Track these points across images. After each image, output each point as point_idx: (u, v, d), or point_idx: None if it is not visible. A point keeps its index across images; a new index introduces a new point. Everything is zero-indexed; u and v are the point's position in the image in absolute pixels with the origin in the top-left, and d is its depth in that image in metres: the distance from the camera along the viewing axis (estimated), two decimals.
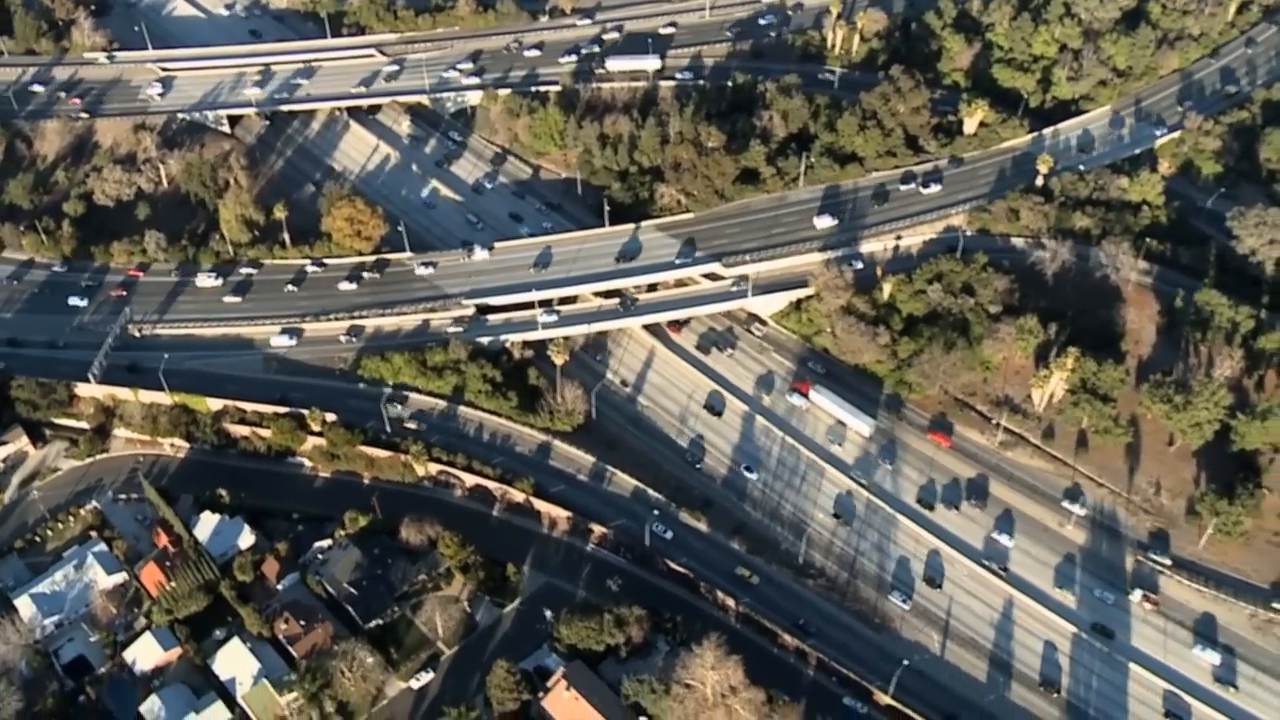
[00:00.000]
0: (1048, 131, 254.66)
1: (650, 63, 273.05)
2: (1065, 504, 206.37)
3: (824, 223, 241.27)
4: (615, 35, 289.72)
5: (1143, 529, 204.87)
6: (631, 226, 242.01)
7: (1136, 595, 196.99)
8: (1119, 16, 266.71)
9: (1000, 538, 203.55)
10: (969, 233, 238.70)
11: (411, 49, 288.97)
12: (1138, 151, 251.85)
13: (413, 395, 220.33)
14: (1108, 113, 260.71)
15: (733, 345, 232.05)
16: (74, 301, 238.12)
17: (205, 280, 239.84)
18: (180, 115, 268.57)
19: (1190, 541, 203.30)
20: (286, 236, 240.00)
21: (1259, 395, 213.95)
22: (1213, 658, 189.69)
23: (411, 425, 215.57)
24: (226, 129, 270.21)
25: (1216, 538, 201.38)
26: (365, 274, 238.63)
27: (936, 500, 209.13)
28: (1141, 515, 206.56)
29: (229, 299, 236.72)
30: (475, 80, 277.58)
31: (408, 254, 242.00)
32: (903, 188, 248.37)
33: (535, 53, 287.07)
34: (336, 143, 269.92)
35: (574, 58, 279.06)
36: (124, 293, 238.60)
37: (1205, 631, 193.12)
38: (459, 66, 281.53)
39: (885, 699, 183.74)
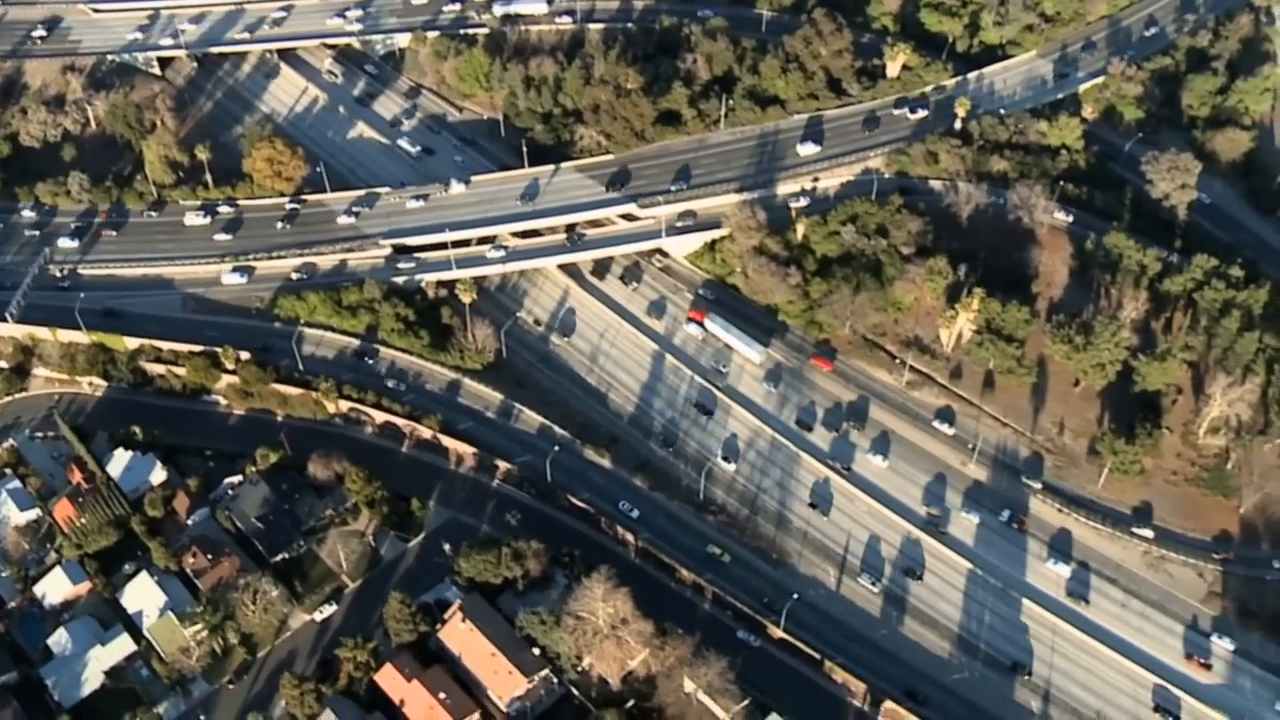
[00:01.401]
0: (971, 76, 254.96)
1: (536, 6, 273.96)
2: (935, 423, 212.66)
3: (808, 149, 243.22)
4: None
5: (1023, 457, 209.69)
6: (552, 168, 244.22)
7: (1005, 515, 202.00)
8: None
9: (874, 458, 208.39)
10: (887, 175, 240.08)
11: None
12: (1061, 96, 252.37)
13: (325, 334, 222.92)
14: (1033, 58, 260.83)
15: (638, 279, 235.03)
16: (63, 243, 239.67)
17: (193, 219, 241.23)
18: (110, 57, 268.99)
19: (1091, 480, 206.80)
20: (209, 178, 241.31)
21: (1166, 337, 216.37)
22: (1064, 570, 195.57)
23: (391, 384, 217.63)
24: (157, 71, 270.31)
25: (1115, 476, 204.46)
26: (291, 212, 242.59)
27: (816, 422, 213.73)
28: (1045, 453, 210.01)
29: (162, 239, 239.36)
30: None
31: (387, 189, 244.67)
32: (895, 112, 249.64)
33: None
34: (267, 85, 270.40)
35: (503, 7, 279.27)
36: (114, 233, 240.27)
37: (1061, 548, 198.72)
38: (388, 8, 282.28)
39: (778, 633, 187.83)
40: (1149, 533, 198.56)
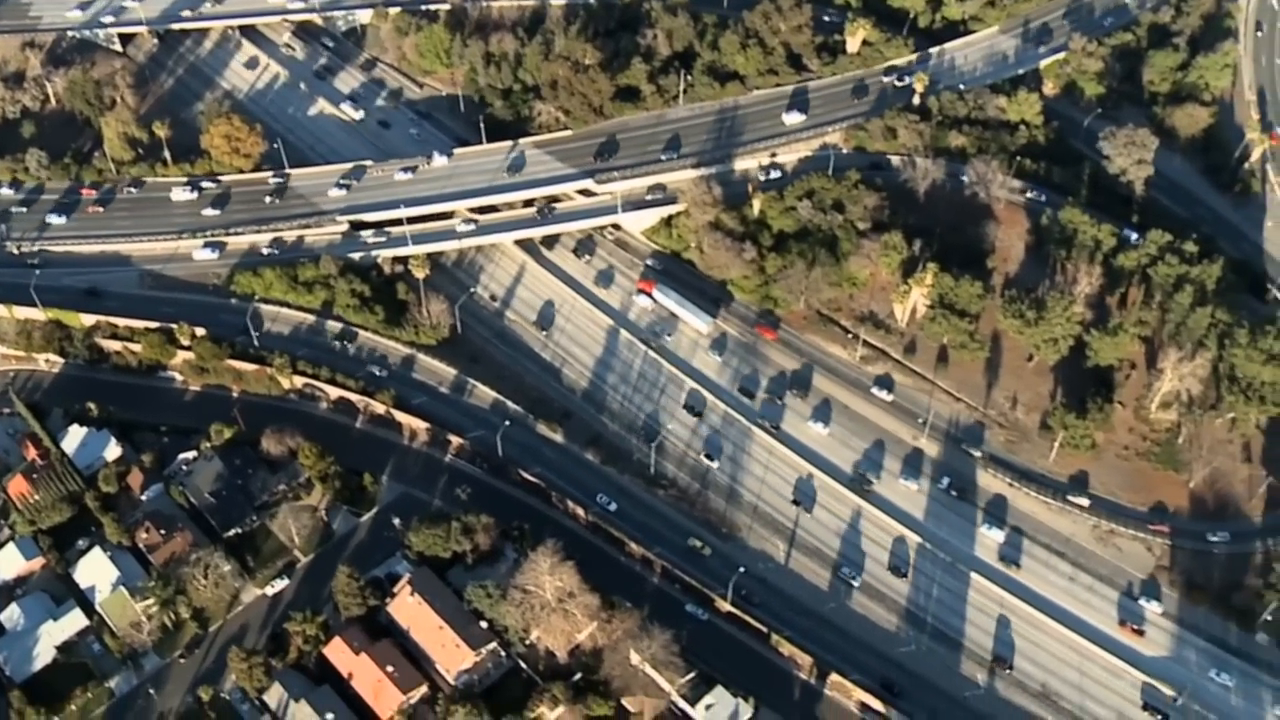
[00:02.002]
0: (933, 51, 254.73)
1: None
2: (873, 390, 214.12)
3: (793, 118, 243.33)
4: None
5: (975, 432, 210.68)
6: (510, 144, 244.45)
7: (944, 482, 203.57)
8: None
9: (815, 425, 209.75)
10: (845, 150, 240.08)
11: None
12: (1021, 72, 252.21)
13: (281, 310, 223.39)
14: (994, 33, 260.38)
15: (591, 252, 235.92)
16: (51, 219, 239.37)
17: (179, 194, 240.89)
18: (70, 33, 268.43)
19: (1042, 455, 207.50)
20: (168, 154, 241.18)
21: (1120, 312, 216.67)
22: (998, 535, 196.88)
23: (376, 370, 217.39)
24: (118, 47, 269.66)
25: (1066, 451, 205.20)
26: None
27: (759, 390, 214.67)
28: (996, 429, 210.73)
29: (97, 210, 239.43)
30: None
31: (371, 162, 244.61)
32: (884, 79, 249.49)
33: None
34: (228, 61, 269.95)
35: None
36: (100, 209, 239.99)
37: (996, 513, 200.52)
38: None
39: (726, 606, 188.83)
40: (1084, 500, 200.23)
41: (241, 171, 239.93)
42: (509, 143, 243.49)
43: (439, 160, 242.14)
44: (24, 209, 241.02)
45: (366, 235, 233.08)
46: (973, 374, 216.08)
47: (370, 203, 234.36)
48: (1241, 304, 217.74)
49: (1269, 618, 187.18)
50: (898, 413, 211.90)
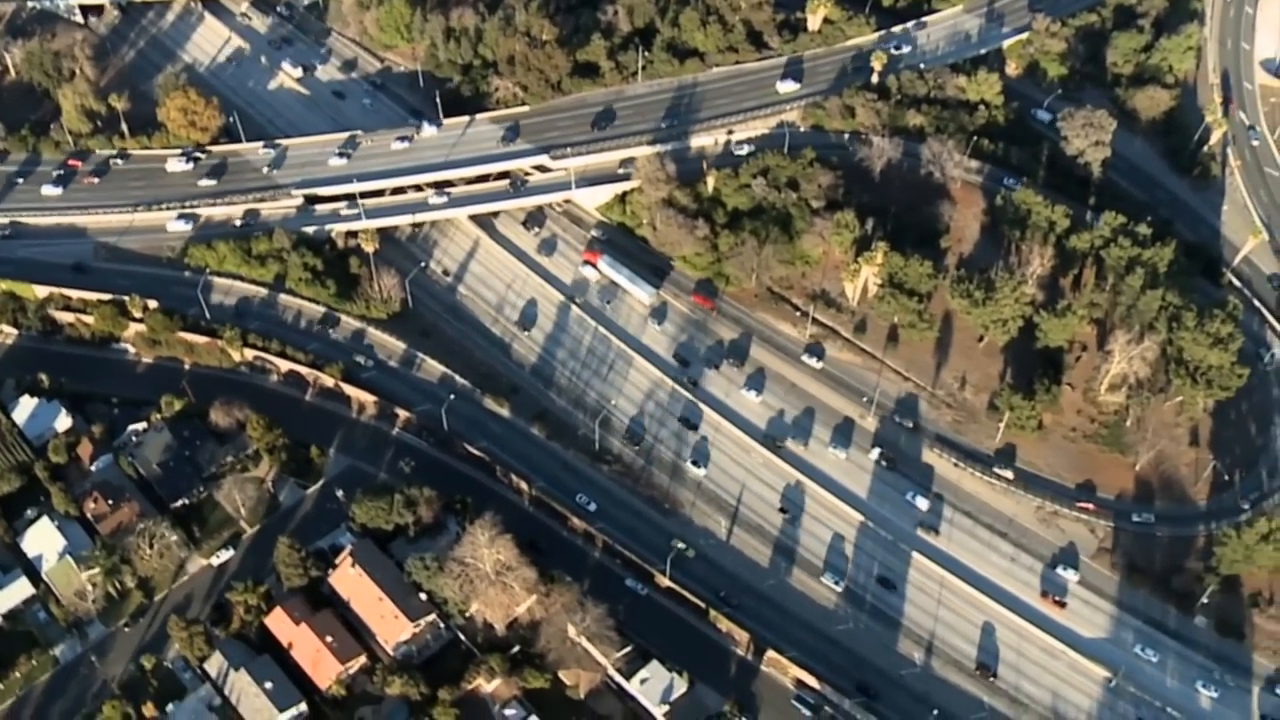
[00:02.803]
0: (896, 30, 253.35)
1: None
2: (805, 359, 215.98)
3: (787, 87, 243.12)
4: None
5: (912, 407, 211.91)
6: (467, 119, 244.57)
7: (875, 453, 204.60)
8: None
9: (749, 394, 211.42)
10: (803, 129, 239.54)
11: None
12: (984, 51, 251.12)
13: (234, 283, 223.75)
14: (959, 13, 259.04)
15: (540, 224, 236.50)
16: (46, 190, 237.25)
17: (174, 165, 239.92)
18: (31, 4, 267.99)
19: (989, 436, 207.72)
20: (125, 127, 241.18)
21: (1074, 294, 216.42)
22: (923, 503, 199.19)
23: (361, 359, 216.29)
24: (79, 19, 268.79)
25: (1012, 432, 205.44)
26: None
27: (697, 360, 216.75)
28: (944, 409, 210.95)
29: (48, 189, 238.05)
30: None
31: (361, 132, 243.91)
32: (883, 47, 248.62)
33: None
34: (190, 35, 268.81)
35: None
36: (95, 180, 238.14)
37: (923, 482, 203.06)
38: None
39: (665, 581, 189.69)
40: (1009, 473, 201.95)
41: (200, 145, 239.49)
42: (465, 118, 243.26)
43: (429, 130, 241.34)
44: (52, 185, 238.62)
45: (340, 208, 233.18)
46: (922, 354, 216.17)
47: (328, 176, 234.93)
48: (1195, 288, 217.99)
49: (1205, 600, 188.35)
50: (832, 383, 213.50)
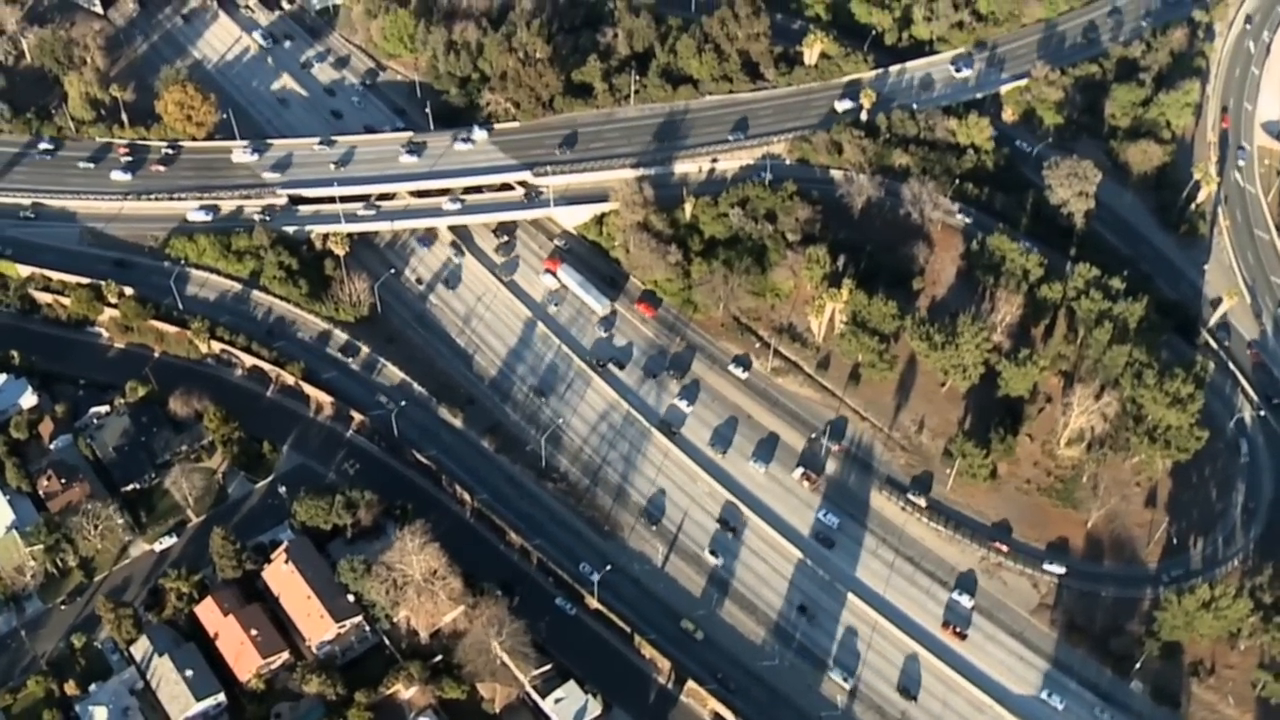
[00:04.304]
0: (893, 69, 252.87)
1: None
2: (731, 368, 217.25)
3: (844, 105, 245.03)
4: None
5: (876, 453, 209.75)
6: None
7: (798, 473, 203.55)
8: None
9: (680, 402, 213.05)
10: (789, 162, 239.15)
11: None
12: (980, 96, 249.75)
13: (210, 276, 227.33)
14: (959, 55, 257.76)
15: (511, 234, 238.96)
16: (115, 176, 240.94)
17: (240, 155, 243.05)
18: None
19: (940, 482, 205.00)
20: (125, 117, 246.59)
21: (1043, 344, 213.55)
22: (834, 520, 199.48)
23: (383, 400, 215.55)
24: (99, 9, 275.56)
25: (964, 480, 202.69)
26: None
27: (629, 361, 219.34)
28: (898, 451, 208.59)
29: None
30: None
31: (393, 133, 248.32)
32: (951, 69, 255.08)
33: None
34: (202, 31, 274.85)
35: None
36: (163, 168, 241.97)
37: (838, 502, 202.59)
38: None
39: (594, 603, 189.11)
40: (922, 500, 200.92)
41: (194, 139, 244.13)
42: (451, 130, 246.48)
43: (479, 134, 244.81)
44: (121, 171, 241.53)
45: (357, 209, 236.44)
46: (883, 394, 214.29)
47: (313, 179, 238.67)
48: (1169, 346, 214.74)
49: (1140, 666, 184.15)
50: (746, 387, 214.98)
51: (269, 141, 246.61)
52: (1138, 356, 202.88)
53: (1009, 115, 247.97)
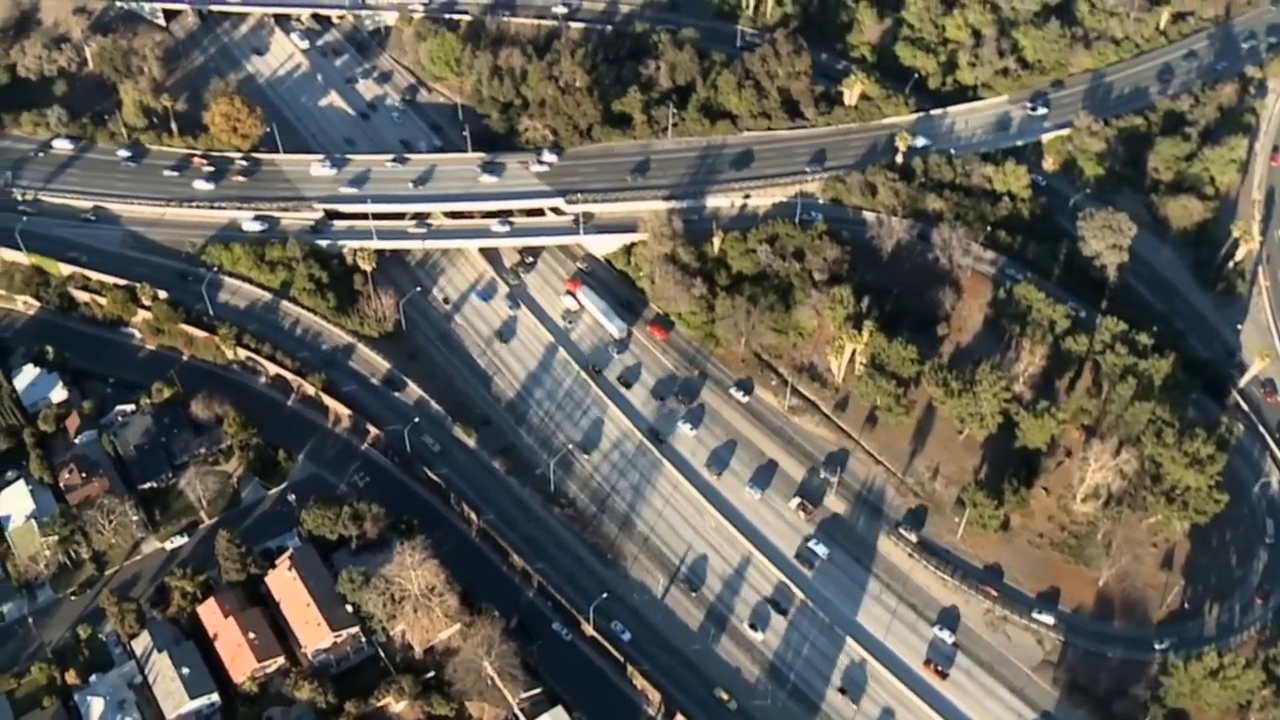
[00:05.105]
0: (935, 112, 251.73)
1: None
2: (732, 391, 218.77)
3: (919, 142, 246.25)
4: None
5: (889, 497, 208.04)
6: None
7: (794, 502, 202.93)
8: (1039, 9, 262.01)
9: (684, 425, 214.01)
10: (822, 200, 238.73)
11: None
12: (1021, 144, 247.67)
13: (242, 285, 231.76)
14: (1003, 102, 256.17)
15: (535, 254, 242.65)
16: (198, 185, 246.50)
17: (318, 169, 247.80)
18: (119, 4, 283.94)
19: (950, 530, 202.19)
20: (174, 126, 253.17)
21: (1066, 396, 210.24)
22: (824, 550, 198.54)
23: (432, 444, 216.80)
24: (161, 22, 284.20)
25: (974, 530, 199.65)
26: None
27: (636, 382, 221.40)
28: (910, 497, 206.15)
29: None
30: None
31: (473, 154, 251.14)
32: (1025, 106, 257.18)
33: None
34: (258, 47, 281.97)
35: None
36: (244, 179, 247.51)
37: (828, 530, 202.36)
38: None
39: (590, 630, 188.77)
40: (913, 537, 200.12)
41: (240, 150, 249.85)
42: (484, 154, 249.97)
43: (549, 157, 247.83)
44: (204, 180, 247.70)
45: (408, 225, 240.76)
46: (899, 439, 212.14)
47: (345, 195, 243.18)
48: (1196, 405, 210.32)
49: None
50: (747, 410, 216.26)
51: (348, 157, 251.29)
52: (1160, 414, 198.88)
53: (1050, 164, 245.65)
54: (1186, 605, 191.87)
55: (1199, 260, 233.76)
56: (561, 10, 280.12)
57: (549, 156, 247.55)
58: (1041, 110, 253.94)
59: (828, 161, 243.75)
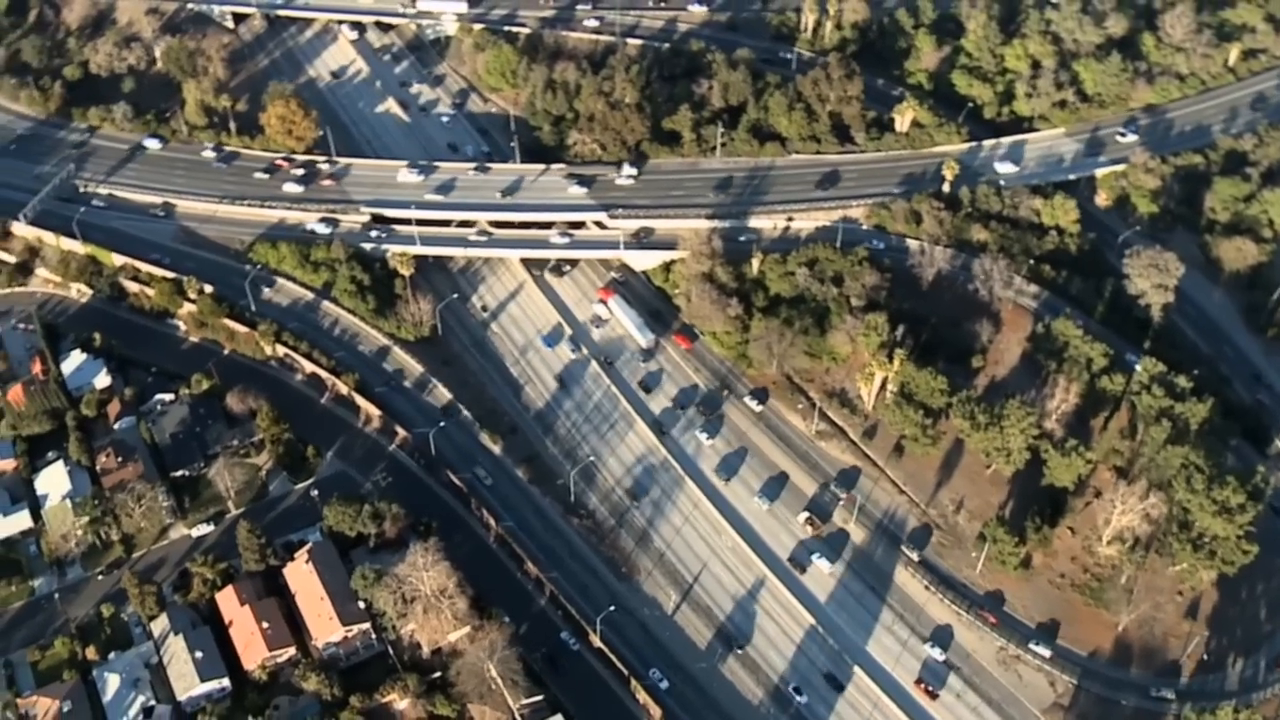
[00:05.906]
0: (988, 143, 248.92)
1: (457, 6, 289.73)
2: (746, 399, 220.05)
3: (1006, 169, 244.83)
4: None
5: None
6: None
7: (803, 516, 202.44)
8: (1102, 42, 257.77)
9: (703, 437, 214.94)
10: (865, 226, 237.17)
11: None
12: (1074, 178, 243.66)
13: (284, 283, 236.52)
14: (1058, 134, 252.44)
15: (572, 264, 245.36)
16: (288, 188, 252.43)
17: (405, 175, 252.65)
18: (190, 6, 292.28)
19: (970, 565, 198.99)
20: (233, 126, 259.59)
21: (1098, 436, 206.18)
22: (826, 566, 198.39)
23: (482, 475, 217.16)
24: (230, 24, 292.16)
25: (993, 566, 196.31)
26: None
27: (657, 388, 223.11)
28: (934, 528, 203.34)
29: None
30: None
31: (555, 166, 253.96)
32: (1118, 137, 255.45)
33: None
34: (321, 51, 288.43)
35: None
36: (333, 181, 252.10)
37: (837, 546, 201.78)
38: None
39: (598, 642, 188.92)
40: (915, 553, 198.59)
41: (294, 152, 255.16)
42: (540, 166, 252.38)
43: (628, 171, 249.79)
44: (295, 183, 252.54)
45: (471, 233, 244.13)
46: (926, 469, 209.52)
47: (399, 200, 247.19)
48: (1236, 452, 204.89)
49: None
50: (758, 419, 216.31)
51: (435, 164, 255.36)
52: (1194, 459, 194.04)
53: (1102, 200, 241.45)
54: (1206, 657, 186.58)
55: (1251, 304, 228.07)
56: (615, 26, 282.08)
57: (628, 169, 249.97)
58: (1131, 137, 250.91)
59: (875, 187, 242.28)
